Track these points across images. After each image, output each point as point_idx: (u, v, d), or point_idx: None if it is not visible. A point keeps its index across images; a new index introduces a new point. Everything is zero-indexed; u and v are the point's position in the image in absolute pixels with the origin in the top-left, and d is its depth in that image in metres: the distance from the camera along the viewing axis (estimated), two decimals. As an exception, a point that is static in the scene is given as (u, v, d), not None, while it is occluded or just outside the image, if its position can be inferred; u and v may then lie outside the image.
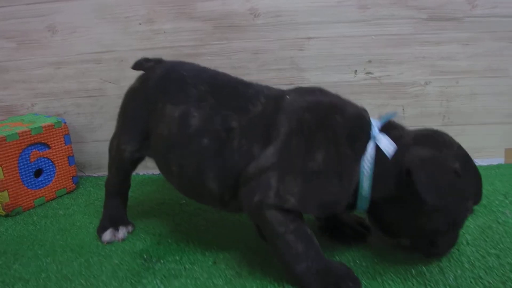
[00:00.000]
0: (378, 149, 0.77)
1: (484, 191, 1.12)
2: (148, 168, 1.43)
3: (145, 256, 0.92)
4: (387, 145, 0.76)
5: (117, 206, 1.05)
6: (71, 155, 1.31)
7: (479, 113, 1.35)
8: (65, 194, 1.30)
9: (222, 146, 0.83)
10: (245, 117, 0.83)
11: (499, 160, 1.39)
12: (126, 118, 0.99)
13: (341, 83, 1.32)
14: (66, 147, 1.28)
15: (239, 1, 1.27)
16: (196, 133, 0.85)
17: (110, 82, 1.35)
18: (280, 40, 1.30)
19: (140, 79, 1.01)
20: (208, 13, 1.29)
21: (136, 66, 1.04)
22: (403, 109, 1.35)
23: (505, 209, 1.05)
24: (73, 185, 1.32)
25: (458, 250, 0.87)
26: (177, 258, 0.90)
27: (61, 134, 1.26)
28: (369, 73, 1.32)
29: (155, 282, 0.82)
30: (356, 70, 1.32)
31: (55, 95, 1.38)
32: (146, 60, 1.02)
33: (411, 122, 1.35)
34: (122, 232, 1.01)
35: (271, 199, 0.75)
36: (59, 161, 1.27)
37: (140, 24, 1.30)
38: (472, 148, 1.34)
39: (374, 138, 0.78)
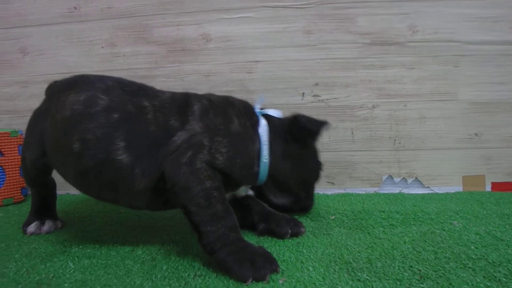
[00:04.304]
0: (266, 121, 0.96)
1: (434, 209, 1.12)
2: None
3: (65, 243, 0.90)
4: (275, 112, 1.00)
5: (42, 202, 1.03)
6: (24, 166, 1.32)
7: (430, 137, 1.34)
8: (11, 204, 1.29)
9: (135, 119, 0.83)
10: (156, 99, 0.87)
11: (457, 188, 1.34)
12: (28, 129, 0.98)
13: (289, 105, 1.35)
14: (19, 157, 1.30)
15: (192, 27, 1.38)
16: (105, 110, 0.84)
17: (71, 101, 1.41)
18: (230, 63, 1.37)
19: (47, 90, 1.00)
20: (163, 38, 1.39)
21: (48, 88, 1.03)
22: (352, 133, 1.35)
23: (453, 221, 1.01)
24: (22, 196, 1.32)
25: (391, 247, 0.83)
26: (97, 245, 0.89)
27: (16, 143, 1.30)
28: (317, 95, 1.35)
29: (65, 260, 0.80)
30: (303, 93, 1.36)
31: (19, 113, 1.44)
32: (56, 81, 1.01)
33: (361, 146, 1.35)
34: (48, 225, 1.00)
35: (205, 155, 0.80)
36: (10, 169, 1.29)
37: (102, 47, 1.40)
38: (427, 175, 1.34)
39: (260, 113, 0.97)
